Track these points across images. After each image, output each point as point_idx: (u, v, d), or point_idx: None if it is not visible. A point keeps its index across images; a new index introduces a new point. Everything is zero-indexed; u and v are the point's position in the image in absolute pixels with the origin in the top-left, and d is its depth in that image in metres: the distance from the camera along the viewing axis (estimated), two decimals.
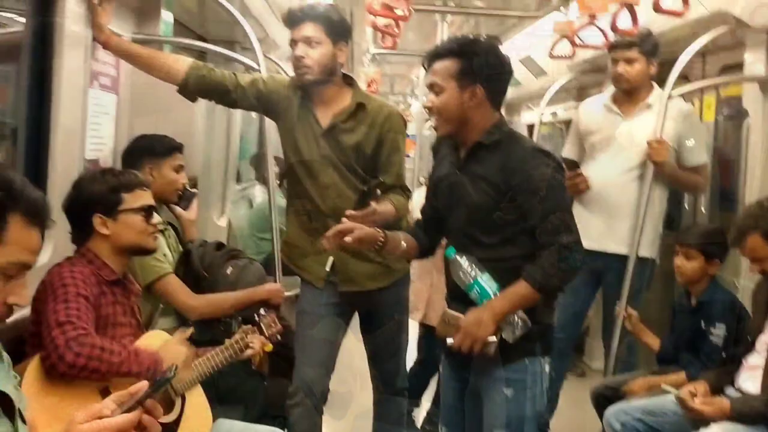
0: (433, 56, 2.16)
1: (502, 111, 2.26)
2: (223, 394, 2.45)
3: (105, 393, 1.85)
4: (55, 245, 2.26)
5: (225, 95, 2.62)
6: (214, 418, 2.24)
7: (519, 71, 6.02)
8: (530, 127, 6.58)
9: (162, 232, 2.74)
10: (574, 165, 3.44)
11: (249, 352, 2.30)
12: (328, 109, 2.63)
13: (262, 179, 5.24)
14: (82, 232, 2.09)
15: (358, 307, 2.83)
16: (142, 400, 1.22)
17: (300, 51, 2.54)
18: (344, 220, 2.30)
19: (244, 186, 5.71)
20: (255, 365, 2.39)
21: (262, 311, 2.50)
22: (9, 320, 1.95)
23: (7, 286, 1.24)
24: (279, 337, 2.51)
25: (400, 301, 2.85)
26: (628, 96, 3.41)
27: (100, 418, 1.21)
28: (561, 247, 2.03)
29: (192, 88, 2.58)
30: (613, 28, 3.11)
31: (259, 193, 5.52)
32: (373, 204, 2.36)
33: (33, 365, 1.77)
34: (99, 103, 2.61)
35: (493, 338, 2.04)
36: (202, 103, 3.33)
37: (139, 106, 2.95)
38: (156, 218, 2.18)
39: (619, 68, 3.34)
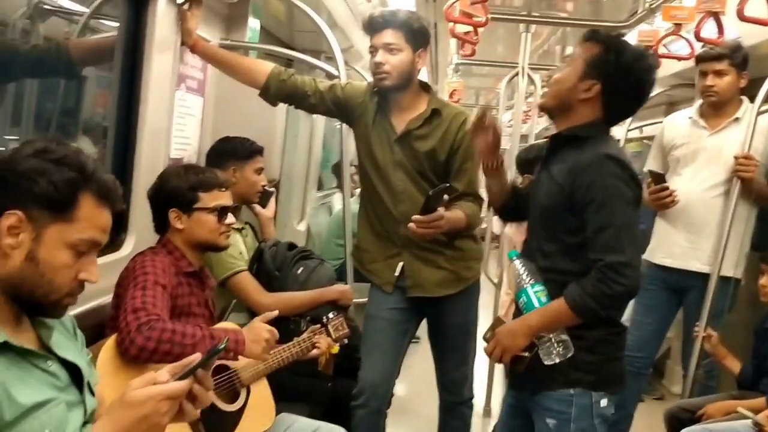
0: (589, 35, 2.04)
1: None
2: (288, 392, 2.50)
3: None
4: (137, 237, 2.40)
5: (303, 100, 2.69)
6: (278, 414, 2.30)
7: None
8: None
9: (240, 230, 2.84)
10: (660, 179, 3.34)
11: (315, 351, 2.35)
12: (404, 116, 2.66)
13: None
14: (161, 222, 2.19)
15: (427, 314, 2.84)
16: (194, 369, 1.28)
17: (380, 57, 2.58)
18: (410, 225, 2.33)
19: (326, 194, 5.82)
20: (321, 366, 2.43)
21: (331, 314, 2.54)
22: (91, 305, 2.09)
23: (78, 262, 1.31)
24: (346, 340, 2.55)
25: (469, 309, 2.83)
26: (716, 109, 3.30)
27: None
28: (605, 266, 1.85)
29: (272, 92, 2.65)
30: (697, 36, 3.00)
31: (339, 201, 5.62)
32: (441, 210, 2.36)
33: (108, 346, 1.85)
34: (185, 105, 2.73)
35: (525, 353, 1.95)
36: (283, 110, 3.44)
37: (223, 108, 3.06)
38: (230, 219, 2.24)
39: (707, 81, 3.24)
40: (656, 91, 4.79)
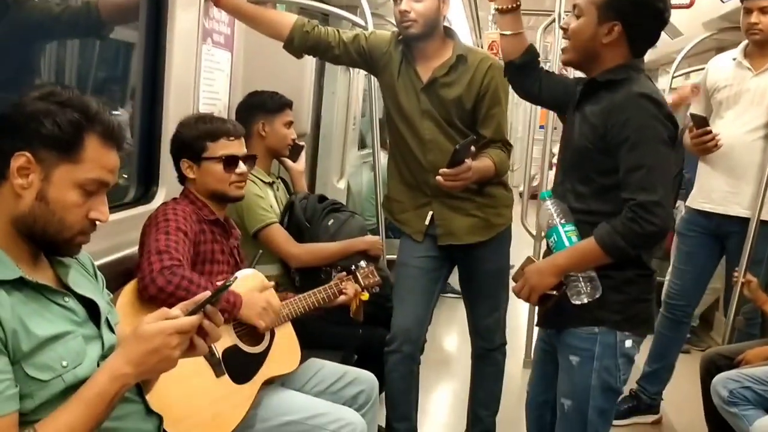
0: None
1: None
2: (320, 340, 2.55)
3: None
4: (167, 190, 2.45)
5: (327, 51, 2.68)
6: (306, 359, 2.35)
7: None
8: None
9: (270, 184, 2.89)
10: (703, 122, 3.24)
11: (342, 298, 2.38)
12: (429, 64, 2.63)
13: (385, 145, 5.35)
14: (181, 173, 2.25)
15: (458, 261, 2.84)
16: (203, 305, 1.33)
17: (404, 5, 2.54)
18: (438, 178, 2.33)
19: (368, 152, 5.83)
20: (351, 313, 2.47)
21: (362, 263, 2.57)
22: (119, 255, 2.15)
23: (88, 201, 1.36)
24: (377, 289, 2.57)
25: (501, 256, 2.83)
26: (761, 49, 3.18)
27: None
28: (636, 205, 1.83)
29: (296, 44, 2.65)
30: None
31: (380, 159, 5.62)
32: (468, 161, 2.35)
33: (127, 289, 1.92)
34: (213, 60, 2.75)
35: (553, 292, 1.95)
36: (312, 63, 3.42)
37: (253, 63, 3.08)
38: (241, 168, 2.22)
39: (752, 18, 3.12)
40: (703, 35, 4.63)
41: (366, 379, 2.36)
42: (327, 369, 2.35)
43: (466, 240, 2.72)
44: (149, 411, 1.49)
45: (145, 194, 2.49)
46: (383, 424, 2.83)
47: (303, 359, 2.33)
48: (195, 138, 2.20)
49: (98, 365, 1.38)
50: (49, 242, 1.36)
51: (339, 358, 2.56)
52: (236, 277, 1.40)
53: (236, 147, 2.24)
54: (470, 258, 2.79)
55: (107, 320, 1.48)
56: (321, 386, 2.30)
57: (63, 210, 1.34)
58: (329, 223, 2.85)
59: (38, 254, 1.40)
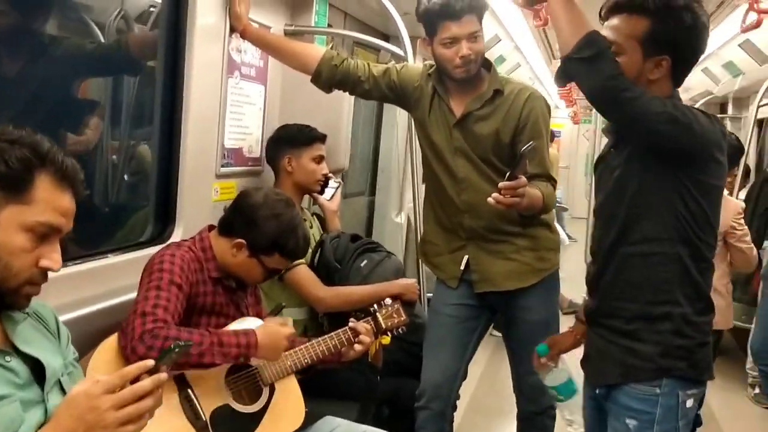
0: (616, 7, 1.75)
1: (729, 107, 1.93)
2: (334, 388, 2.36)
3: (180, 380, 1.84)
4: (185, 228, 2.34)
5: (357, 85, 2.52)
6: (324, 415, 2.17)
7: (739, 58, 5.31)
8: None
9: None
10: None
11: (357, 348, 2.16)
12: (463, 97, 2.44)
13: None
14: (228, 229, 2.08)
15: (499, 311, 2.61)
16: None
17: (466, 49, 2.32)
18: (495, 196, 2.01)
19: None
20: (370, 358, 2.26)
21: (386, 301, 2.35)
22: (131, 296, 2.00)
23: (38, 248, 1.25)
24: (402, 330, 2.36)
25: (546, 305, 2.56)
26: None
27: None
28: None
29: (324, 78, 2.50)
30: None
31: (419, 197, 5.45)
32: (523, 178, 2.01)
33: (107, 346, 1.78)
34: (242, 93, 2.65)
35: None
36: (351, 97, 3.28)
37: (290, 97, 2.95)
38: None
39: None
40: None
41: None
42: (342, 429, 2.16)
43: (505, 286, 2.49)
44: None
45: (162, 233, 2.38)
46: None
47: (317, 413, 2.15)
48: (272, 243, 2.03)
49: None
50: None
51: (356, 410, 2.35)
52: (190, 344, 1.25)
53: (283, 264, 2.16)
54: (512, 307, 2.54)
55: (59, 382, 1.35)
56: None
57: (9, 255, 1.22)
58: (362, 264, 2.67)
59: None
